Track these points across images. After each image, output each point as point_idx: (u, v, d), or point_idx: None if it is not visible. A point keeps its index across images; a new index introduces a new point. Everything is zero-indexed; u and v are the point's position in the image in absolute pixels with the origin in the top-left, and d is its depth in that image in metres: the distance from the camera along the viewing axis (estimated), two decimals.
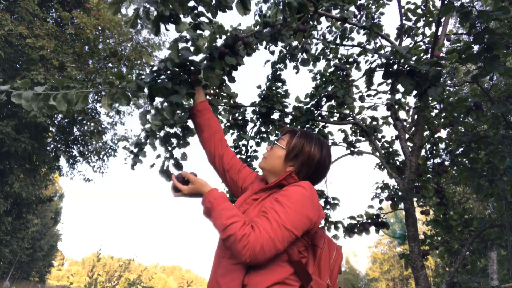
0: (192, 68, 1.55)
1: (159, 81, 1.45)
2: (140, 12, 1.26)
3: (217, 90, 2.18)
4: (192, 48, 1.54)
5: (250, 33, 1.90)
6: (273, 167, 1.27)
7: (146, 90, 1.44)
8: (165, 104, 1.51)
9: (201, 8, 1.52)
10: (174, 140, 2.08)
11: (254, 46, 1.88)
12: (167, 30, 1.42)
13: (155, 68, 1.49)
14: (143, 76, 1.43)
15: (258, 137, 3.59)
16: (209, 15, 1.55)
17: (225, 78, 2.05)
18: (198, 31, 1.55)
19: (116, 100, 1.40)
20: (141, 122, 1.40)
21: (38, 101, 1.29)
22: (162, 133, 1.83)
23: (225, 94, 2.92)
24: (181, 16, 1.39)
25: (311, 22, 2.37)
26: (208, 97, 2.18)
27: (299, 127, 3.49)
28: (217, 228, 1.07)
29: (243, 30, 1.92)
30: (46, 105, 1.30)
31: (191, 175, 1.25)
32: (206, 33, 1.58)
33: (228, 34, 1.72)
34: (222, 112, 3.18)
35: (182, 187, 1.25)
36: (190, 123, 1.91)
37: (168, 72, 1.49)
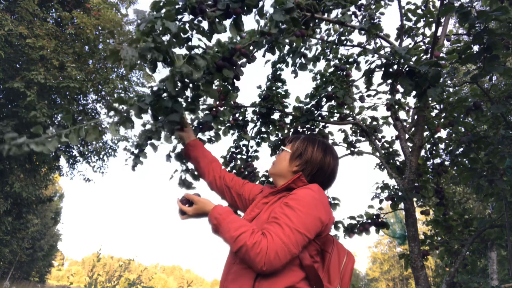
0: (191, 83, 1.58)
1: (160, 97, 1.49)
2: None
3: (222, 102, 2.20)
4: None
5: (247, 43, 1.91)
6: (280, 170, 1.31)
7: (149, 111, 1.49)
8: (165, 122, 1.55)
9: (196, 37, 1.55)
10: None
11: (252, 57, 1.91)
12: (164, 67, 1.46)
13: (155, 89, 1.53)
14: (143, 98, 1.47)
15: (258, 137, 3.59)
16: (204, 39, 1.57)
17: (229, 88, 2.08)
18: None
19: (121, 125, 1.44)
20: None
21: (52, 142, 1.34)
22: (176, 151, 1.90)
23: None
24: (176, 49, 1.42)
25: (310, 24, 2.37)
26: (214, 109, 2.22)
27: (299, 127, 3.50)
28: (227, 242, 1.08)
29: (240, 41, 1.94)
30: (60, 143, 1.35)
31: (194, 196, 1.27)
32: (201, 62, 1.60)
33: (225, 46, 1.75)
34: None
35: (187, 209, 1.26)
36: (200, 135, 2.04)
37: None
